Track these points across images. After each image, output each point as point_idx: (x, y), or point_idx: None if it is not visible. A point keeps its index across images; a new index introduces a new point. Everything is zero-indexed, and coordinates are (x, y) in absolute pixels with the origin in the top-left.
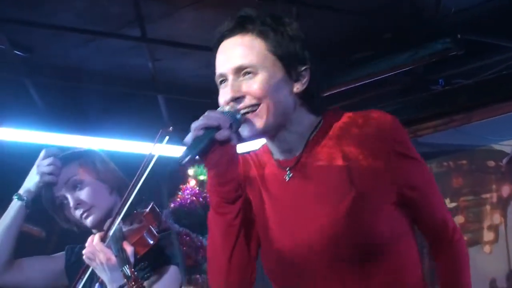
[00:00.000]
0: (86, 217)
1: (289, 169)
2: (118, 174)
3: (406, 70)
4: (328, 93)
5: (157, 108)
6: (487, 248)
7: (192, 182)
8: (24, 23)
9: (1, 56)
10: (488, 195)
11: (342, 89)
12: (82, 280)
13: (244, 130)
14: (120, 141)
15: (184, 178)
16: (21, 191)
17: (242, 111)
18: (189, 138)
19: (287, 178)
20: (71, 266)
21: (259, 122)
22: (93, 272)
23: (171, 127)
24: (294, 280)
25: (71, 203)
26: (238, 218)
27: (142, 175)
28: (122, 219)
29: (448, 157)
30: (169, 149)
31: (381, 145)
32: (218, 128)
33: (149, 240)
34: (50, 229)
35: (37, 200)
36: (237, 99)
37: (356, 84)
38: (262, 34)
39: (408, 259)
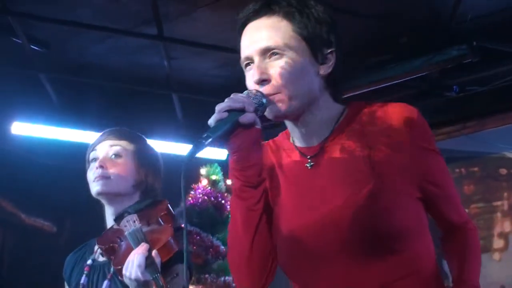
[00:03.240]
0: (98, 180)
1: (310, 158)
2: (155, 182)
3: (421, 75)
4: (344, 96)
5: (171, 106)
6: (496, 256)
7: (204, 182)
8: (42, 19)
9: (18, 51)
10: (499, 203)
11: (358, 92)
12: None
13: (270, 112)
14: None
15: (196, 178)
16: None
17: (268, 93)
18: (212, 119)
19: (308, 166)
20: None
21: (285, 104)
22: (102, 268)
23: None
24: (304, 264)
25: (98, 163)
26: (260, 203)
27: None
28: (138, 215)
29: (460, 164)
30: (182, 148)
31: (405, 138)
32: (242, 111)
33: (174, 247)
34: (61, 224)
35: (49, 196)
36: (263, 81)
37: (372, 88)
38: (288, 16)
39: (420, 251)
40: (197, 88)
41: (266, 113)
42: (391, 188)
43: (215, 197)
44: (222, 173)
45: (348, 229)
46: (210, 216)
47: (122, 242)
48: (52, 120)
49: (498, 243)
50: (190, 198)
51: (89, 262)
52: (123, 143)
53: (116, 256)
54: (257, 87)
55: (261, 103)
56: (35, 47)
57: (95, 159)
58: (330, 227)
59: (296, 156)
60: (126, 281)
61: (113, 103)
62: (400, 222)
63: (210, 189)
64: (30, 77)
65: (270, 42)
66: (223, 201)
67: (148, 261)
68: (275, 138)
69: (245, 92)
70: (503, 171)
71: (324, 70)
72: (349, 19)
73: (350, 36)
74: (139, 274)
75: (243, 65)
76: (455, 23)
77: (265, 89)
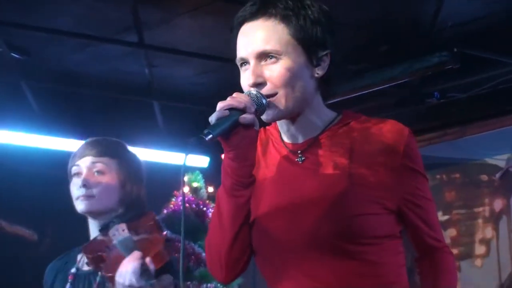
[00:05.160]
0: (82, 201)
1: (301, 152)
2: (140, 192)
3: (402, 83)
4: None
5: (152, 114)
6: (478, 262)
7: (185, 189)
8: (22, 27)
9: None
10: (480, 209)
11: (339, 99)
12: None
13: (266, 115)
14: None
15: (178, 185)
16: None
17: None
18: (213, 117)
19: (300, 161)
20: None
21: (281, 107)
22: (87, 277)
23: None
24: (275, 254)
25: (81, 182)
26: (248, 202)
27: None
28: (126, 225)
29: (441, 170)
30: (163, 156)
31: (394, 156)
32: (243, 111)
33: (166, 256)
34: (43, 232)
35: (30, 204)
36: (258, 85)
37: (352, 95)
38: (284, 19)
39: (390, 261)
40: (178, 96)
41: (263, 116)
42: (365, 196)
43: (196, 204)
44: (203, 180)
45: (316, 224)
46: (191, 224)
47: (111, 251)
48: (32, 128)
49: (479, 249)
50: (171, 205)
51: (73, 270)
52: (106, 159)
53: (106, 264)
54: (254, 89)
55: (261, 104)
56: (15, 55)
57: (77, 174)
58: (300, 220)
59: (281, 149)
60: None
61: (94, 111)
62: (367, 227)
63: (191, 197)
64: (10, 84)
65: (267, 46)
66: (204, 209)
67: (143, 268)
68: (267, 127)
69: (246, 92)
70: (484, 177)
71: (319, 72)
72: None
73: None
74: (134, 281)
75: (238, 63)
76: (436, 30)
77: (261, 90)
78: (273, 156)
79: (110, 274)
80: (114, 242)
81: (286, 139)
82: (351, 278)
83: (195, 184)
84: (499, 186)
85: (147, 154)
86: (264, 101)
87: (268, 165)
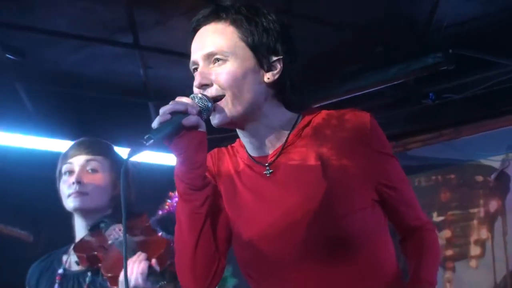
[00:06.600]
0: (74, 197)
1: (268, 165)
2: (131, 195)
3: (397, 84)
4: (319, 105)
5: (148, 115)
6: (473, 263)
7: None
8: (17, 28)
9: None
10: (475, 210)
11: (334, 101)
12: None
13: (213, 119)
14: None
15: (173, 186)
16: None
17: (210, 97)
18: (155, 122)
19: (267, 174)
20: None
21: (227, 110)
22: (76, 277)
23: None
24: (267, 271)
25: (74, 178)
26: (204, 206)
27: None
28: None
29: (436, 171)
30: (158, 157)
31: (360, 144)
32: (185, 113)
33: (167, 258)
34: (38, 233)
35: (25, 205)
36: (204, 86)
37: (348, 96)
38: (235, 22)
39: (381, 253)
40: (174, 97)
41: (211, 119)
42: (347, 193)
43: None
44: None
45: (305, 235)
46: None
47: (108, 251)
48: (27, 129)
49: (475, 250)
50: (166, 206)
51: (60, 271)
52: (100, 158)
53: (105, 264)
54: (200, 91)
55: (206, 107)
56: (10, 56)
57: (69, 172)
58: (287, 234)
59: (252, 164)
60: None
61: (89, 112)
62: (357, 226)
63: None
64: (6, 86)
65: (214, 48)
66: None
67: (150, 270)
68: (233, 144)
69: (191, 95)
70: (479, 178)
71: (269, 77)
72: (326, 29)
73: (326, 46)
74: (141, 282)
75: (191, 69)
76: (431, 31)
77: (206, 93)
78: (244, 171)
79: (110, 274)
80: (110, 242)
81: (252, 152)
82: (349, 282)
83: None
84: (494, 187)
85: (143, 155)
86: (209, 104)
87: (241, 180)
